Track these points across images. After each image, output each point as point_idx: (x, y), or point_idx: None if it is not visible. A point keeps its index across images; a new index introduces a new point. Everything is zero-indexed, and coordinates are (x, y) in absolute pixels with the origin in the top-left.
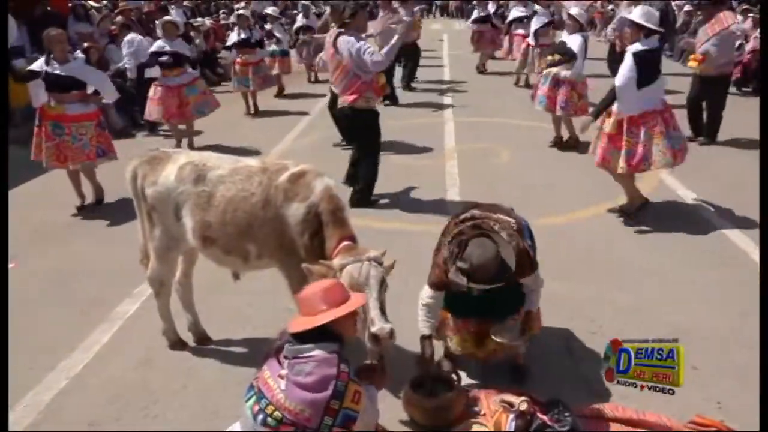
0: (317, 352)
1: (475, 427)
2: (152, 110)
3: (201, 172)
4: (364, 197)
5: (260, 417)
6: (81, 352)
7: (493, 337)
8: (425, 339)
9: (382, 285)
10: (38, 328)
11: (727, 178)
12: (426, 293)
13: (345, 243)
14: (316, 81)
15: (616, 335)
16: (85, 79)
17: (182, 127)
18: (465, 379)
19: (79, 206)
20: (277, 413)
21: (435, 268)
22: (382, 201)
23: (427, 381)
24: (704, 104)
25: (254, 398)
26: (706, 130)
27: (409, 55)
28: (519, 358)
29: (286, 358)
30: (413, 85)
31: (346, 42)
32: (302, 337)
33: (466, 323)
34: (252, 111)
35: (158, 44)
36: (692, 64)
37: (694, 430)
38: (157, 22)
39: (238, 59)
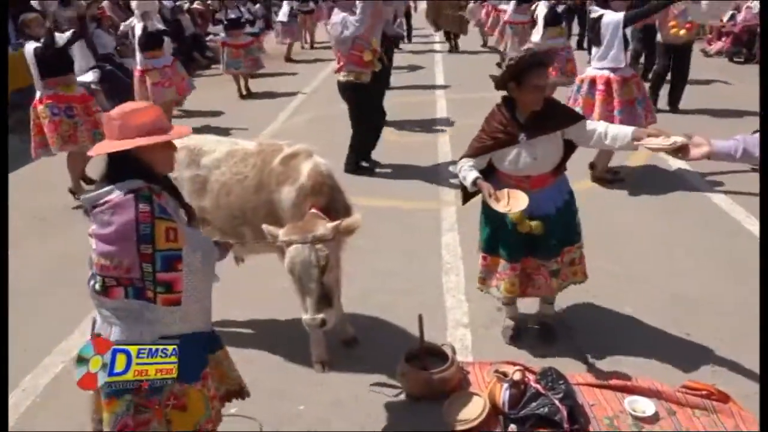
0: (114, 195)
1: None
2: (163, 92)
3: (195, 157)
4: (348, 162)
5: (90, 284)
6: (78, 336)
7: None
8: (476, 181)
9: (324, 269)
10: (37, 312)
11: None
12: (462, 160)
13: (311, 212)
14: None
15: (611, 304)
16: (73, 53)
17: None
18: (459, 352)
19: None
20: (99, 278)
21: (475, 141)
22: (377, 170)
23: (421, 354)
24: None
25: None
26: (671, 98)
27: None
28: (550, 318)
29: (86, 212)
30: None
31: (334, 14)
32: (107, 175)
33: (515, 267)
34: (244, 92)
35: (140, 25)
36: (682, 32)
37: (686, 395)
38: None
39: (226, 41)
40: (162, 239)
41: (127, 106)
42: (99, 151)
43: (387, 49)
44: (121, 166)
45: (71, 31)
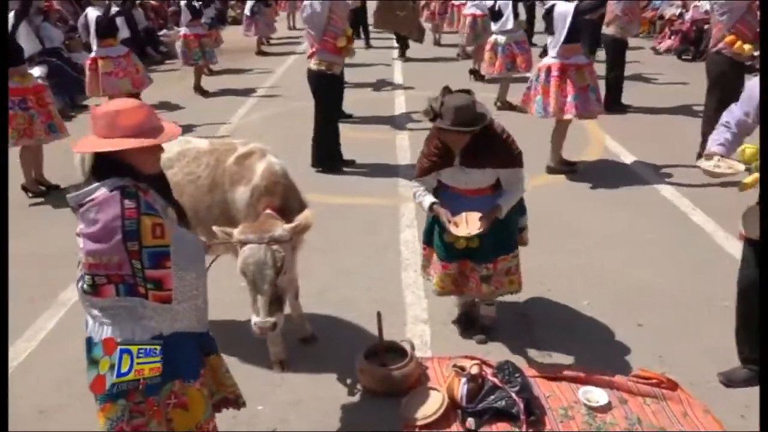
0: (99, 192)
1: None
2: (116, 83)
3: None
4: (325, 162)
5: (79, 285)
6: (25, 341)
7: None
8: (432, 207)
9: (280, 271)
10: None
11: (668, 142)
12: (414, 184)
13: (266, 212)
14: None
15: (566, 298)
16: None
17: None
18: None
19: (47, 187)
20: (87, 277)
21: (419, 162)
22: (347, 169)
23: (381, 350)
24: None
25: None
26: (615, 95)
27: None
28: (488, 319)
29: (74, 210)
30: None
31: None
32: (94, 174)
33: (447, 266)
34: (201, 88)
35: (97, 14)
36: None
37: (637, 383)
38: None
39: (198, 32)
40: (149, 235)
41: (116, 104)
42: (83, 149)
43: None
44: (106, 165)
45: (12, 12)
